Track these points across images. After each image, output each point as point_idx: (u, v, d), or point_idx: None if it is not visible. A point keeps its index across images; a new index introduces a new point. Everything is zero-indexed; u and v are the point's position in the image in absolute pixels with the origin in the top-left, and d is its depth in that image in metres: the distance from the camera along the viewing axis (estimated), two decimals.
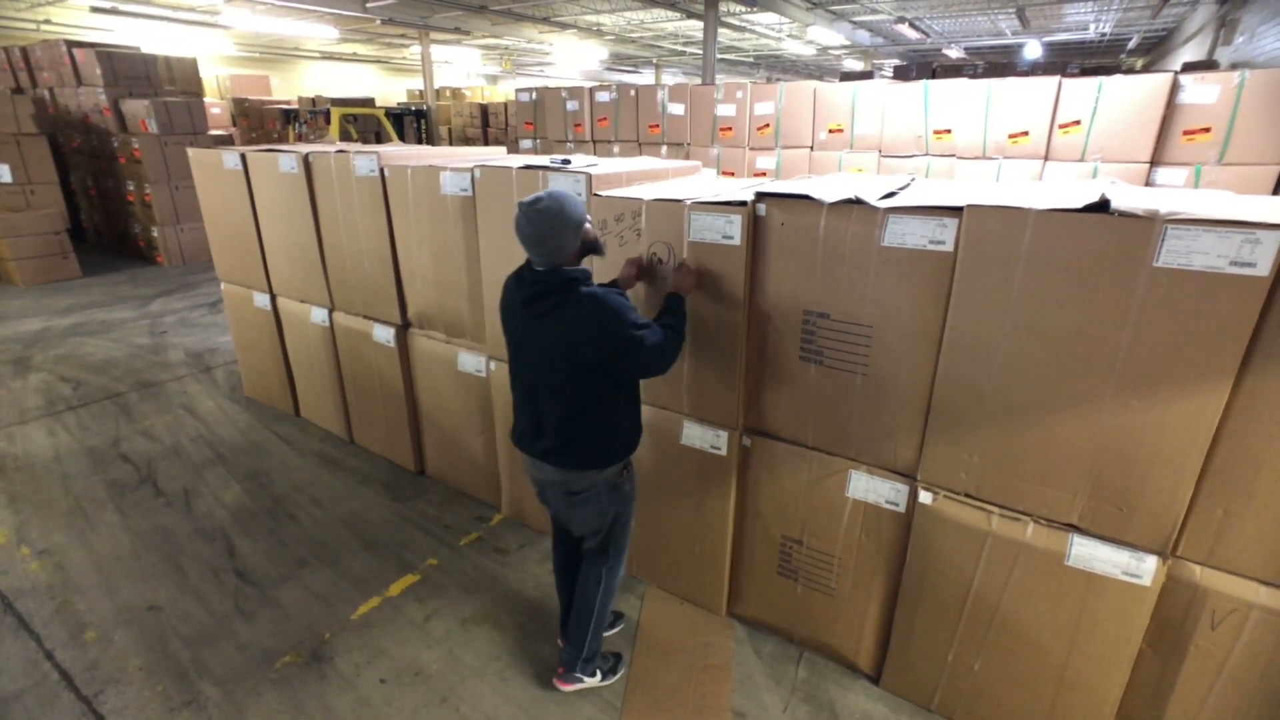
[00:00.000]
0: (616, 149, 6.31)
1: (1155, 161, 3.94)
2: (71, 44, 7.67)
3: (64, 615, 2.39)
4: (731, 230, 1.91)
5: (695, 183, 2.51)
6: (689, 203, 1.97)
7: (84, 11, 11.11)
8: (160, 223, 7.49)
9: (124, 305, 6.10)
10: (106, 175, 7.87)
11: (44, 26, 12.02)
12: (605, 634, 2.28)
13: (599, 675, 2.12)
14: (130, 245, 7.98)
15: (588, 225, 1.74)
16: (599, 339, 1.68)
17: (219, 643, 2.29)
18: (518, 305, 1.76)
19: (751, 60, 19.02)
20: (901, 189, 1.99)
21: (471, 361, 2.83)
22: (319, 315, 3.43)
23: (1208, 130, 3.78)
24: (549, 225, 1.65)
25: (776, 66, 20.92)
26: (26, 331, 5.32)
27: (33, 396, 4.15)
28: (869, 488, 1.96)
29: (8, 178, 6.68)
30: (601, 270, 2.16)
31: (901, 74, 7.38)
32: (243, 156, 3.38)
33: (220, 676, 2.16)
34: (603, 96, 6.30)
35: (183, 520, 2.96)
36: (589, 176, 2.19)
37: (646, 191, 2.16)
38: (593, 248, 1.79)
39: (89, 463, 3.40)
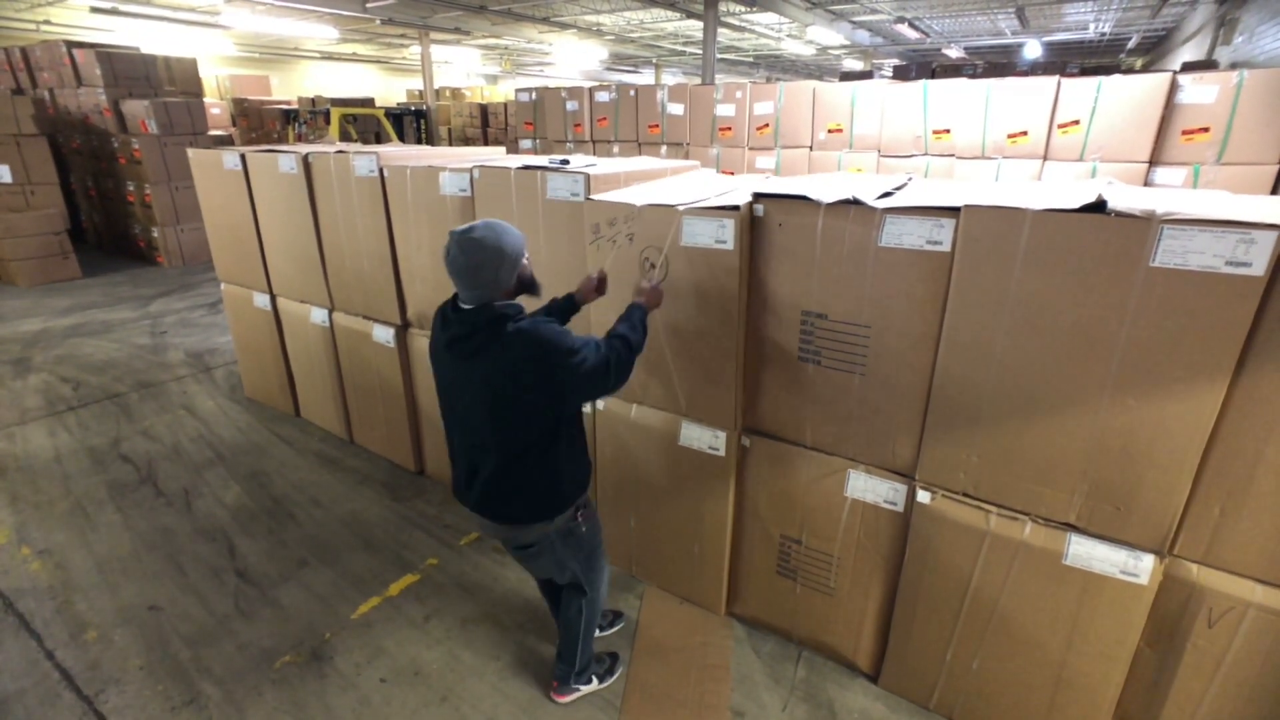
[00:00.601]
0: (616, 149, 6.32)
1: (1154, 161, 3.95)
2: (71, 44, 7.67)
3: (65, 615, 2.40)
4: (724, 235, 1.91)
5: (693, 183, 2.51)
6: (681, 208, 1.97)
7: (84, 12, 11.12)
8: (160, 223, 7.50)
9: (124, 306, 6.10)
10: (106, 176, 7.88)
11: (44, 27, 12.03)
12: (605, 633, 2.30)
13: (594, 680, 2.11)
14: (130, 246, 7.98)
15: (525, 260, 1.61)
16: (536, 377, 1.52)
17: (219, 642, 2.29)
18: (442, 347, 1.61)
19: (751, 60, 19.02)
20: (899, 189, 1.99)
21: None
22: (319, 315, 3.43)
23: (1206, 130, 3.78)
24: (484, 256, 1.50)
25: (776, 66, 20.92)
26: (27, 332, 5.32)
27: (33, 397, 4.15)
28: (867, 487, 1.97)
29: (8, 178, 6.69)
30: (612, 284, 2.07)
31: (901, 74, 7.38)
32: (242, 157, 3.38)
33: (220, 676, 2.16)
34: (602, 96, 6.30)
35: (183, 520, 2.96)
36: (587, 176, 2.20)
37: (641, 194, 2.15)
38: (528, 286, 1.64)
39: (89, 463, 3.41)
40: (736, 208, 1.88)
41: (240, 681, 2.14)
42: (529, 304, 1.72)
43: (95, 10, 10.97)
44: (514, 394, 1.54)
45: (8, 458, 3.44)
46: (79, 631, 2.33)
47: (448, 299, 1.64)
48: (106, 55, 7.45)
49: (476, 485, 1.68)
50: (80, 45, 7.69)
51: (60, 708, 2.04)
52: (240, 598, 2.51)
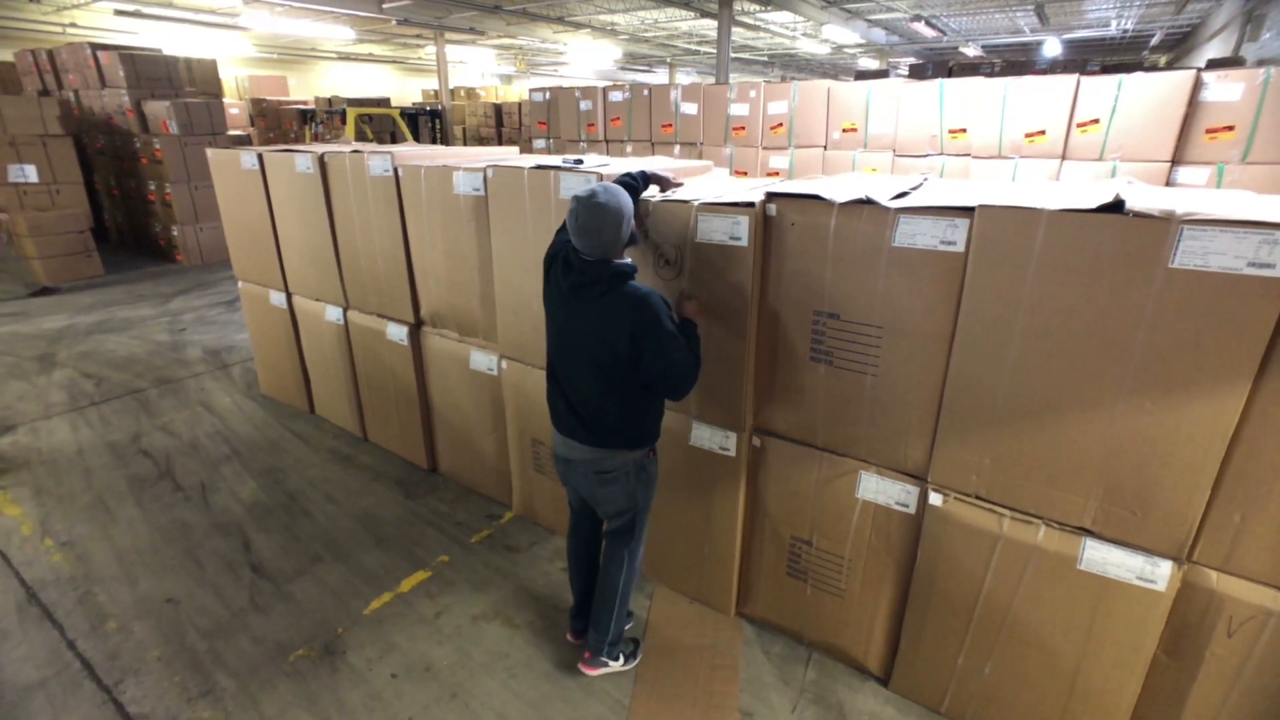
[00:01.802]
0: (629, 149, 6.32)
1: (1176, 160, 3.88)
2: (96, 46, 7.81)
3: (86, 606, 2.45)
4: (739, 231, 1.91)
5: (706, 182, 2.51)
6: (696, 204, 1.97)
7: (109, 15, 11.33)
8: (180, 222, 7.62)
9: (144, 303, 6.21)
10: (129, 175, 8.02)
11: (70, 30, 12.26)
12: (625, 667, 2.24)
13: (622, 659, 2.16)
14: (151, 244, 8.12)
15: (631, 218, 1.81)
16: (635, 333, 1.73)
17: (234, 635, 2.33)
18: (564, 289, 1.81)
19: (765, 59, 18.94)
20: (914, 189, 1.97)
21: (484, 360, 2.86)
22: (334, 314, 3.47)
23: (1231, 129, 3.71)
24: (605, 219, 1.69)
25: (790, 65, 20.81)
26: (51, 329, 5.43)
27: (57, 392, 4.24)
28: (879, 489, 1.95)
29: (34, 178, 6.83)
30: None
31: (917, 73, 7.32)
32: (259, 156, 3.43)
33: (236, 668, 2.19)
34: (616, 96, 6.31)
35: (200, 515, 3.01)
36: (600, 176, 2.20)
37: (655, 191, 2.16)
38: (633, 239, 1.88)
39: (110, 457, 3.48)
40: (751, 204, 1.88)
41: (255, 674, 2.17)
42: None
43: (119, 13, 11.17)
44: (617, 341, 1.76)
45: (32, 452, 3.52)
46: (99, 622, 2.37)
47: (559, 249, 1.87)
48: (130, 57, 7.59)
49: (576, 412, 1.89)
50: (105, 47, 7.83)
51: (81, 696, 2.08)
52: (255, 592, 2.54)
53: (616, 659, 2.16)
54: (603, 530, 2.12)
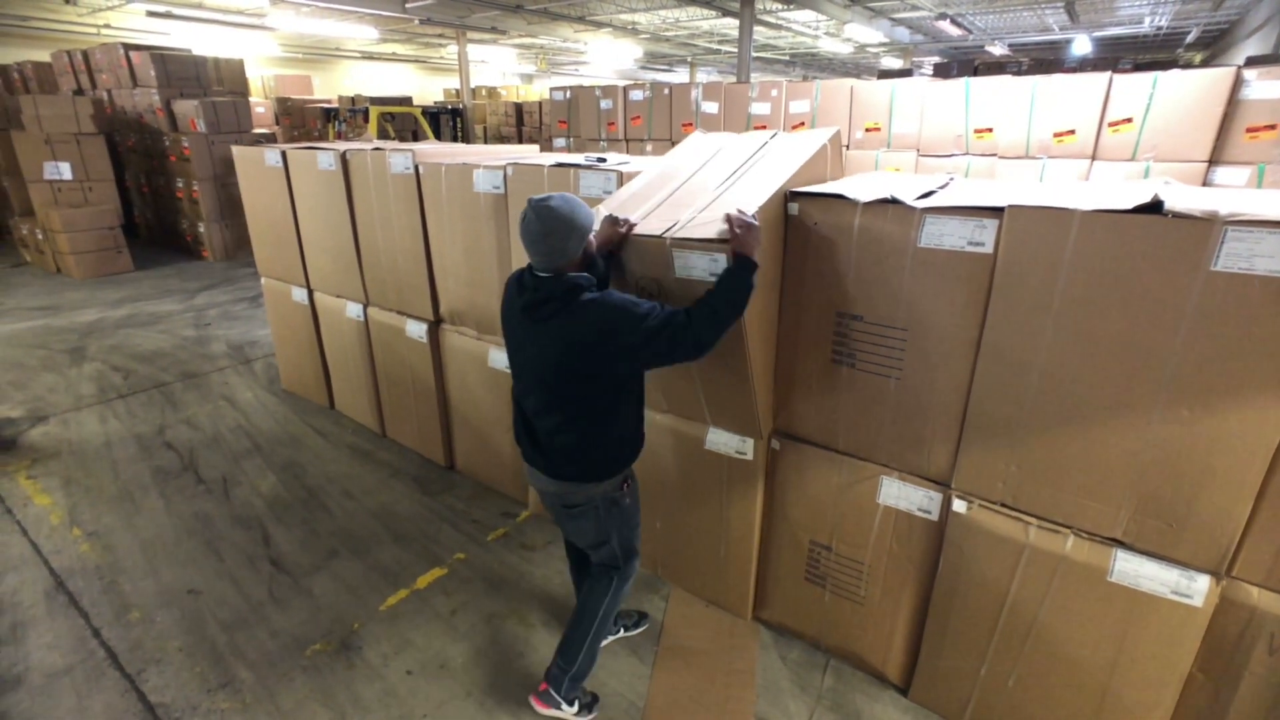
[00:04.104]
0: (649, 147, 6.30)
1: (1214, 160, 3.76)
2: (129, 47, 7.99)
3: (110, 595, 2.49)
4: (718, 268, 1.67)
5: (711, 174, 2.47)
6: (669, 239, 1.73)
7: (141, 16, 11.58)
8: (206, 219, 7.76)
9: (171, 298, 6.33)
10: (158, 173, 8.19)
11: (104, 31, 12.55)
12: (630, 634, 2.28)
13: (576, 706, 1.97)
14: (178, 240, 8.28)
15: (592, 237, 1.65)
16: (611, 345, 1.58)
17: (253, 628, 2.36)
18: (518, 310, 1.69)
19: (787, 58, 18.79)
20: (940, 188, 1.93)
21: (502, 358, 2.86)
22: (354, 310, 3.50)
23: (1273, 128, 3.59)
24: (557, 223, 1.56)
25: (812, 65, 20.62)
26: (82, 322, 5.56)
27: (87, 384, 4.34)
28: (901, 495, 1.91)
29: (69, 175, 7.01)
30: None
31: (942, 71, 7.20)
32: (283, 154, 3.47)
33: (254, 661, 2.22)
34: (636, 95, 6.29)
35: (221, 507, 3.05)
36: (620, 174, 2.19)
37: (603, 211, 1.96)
38: (590, 263, 1.70)
39: (136, 449, 3.54)
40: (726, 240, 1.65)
41: (273, 667, 2.19)
42: None
43: (151, 14, 11.41)
44: (581, 359, 1.62)
45: (63, 443, 3.60)
46: (123, 612, 2.42)
47: (523, 268, 1.71)
48: (160, 57, 7.75)
49: (539, 440, 1.78)
50: (137, 48, 8.00)
51: (105, 684, 2.12)
52: (274, 585, 2.57)
53: (572, 705, 1.96)
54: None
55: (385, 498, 3.15)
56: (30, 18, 11.56)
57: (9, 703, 2.04)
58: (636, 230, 1.80)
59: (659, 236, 1.74)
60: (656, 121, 6.22)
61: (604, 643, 2.14)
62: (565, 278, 1.61)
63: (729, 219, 1.63)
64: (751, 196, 1.80)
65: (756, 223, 1.63)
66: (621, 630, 2.29)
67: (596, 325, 1.59)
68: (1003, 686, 1.85)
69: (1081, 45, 13.69)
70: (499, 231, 2.65)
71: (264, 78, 14.59)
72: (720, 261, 1.66)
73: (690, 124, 5.97)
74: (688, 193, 1.98)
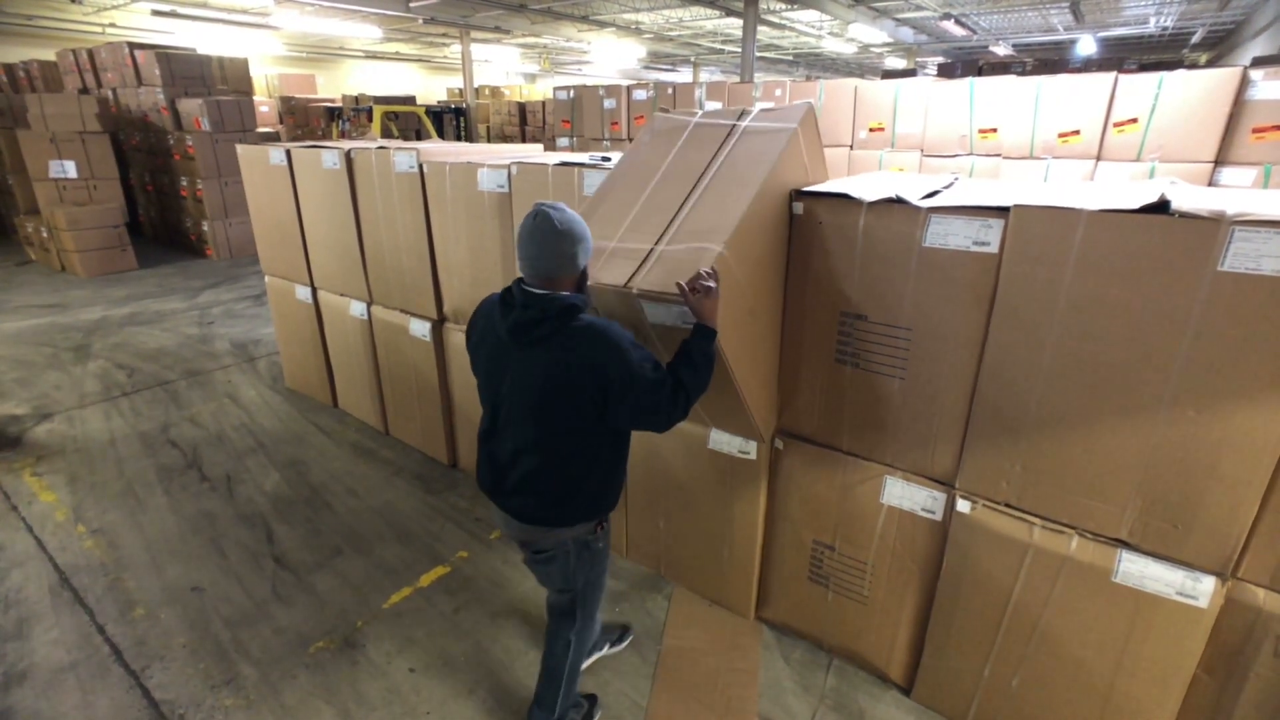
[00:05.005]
0: None
1: (1220, 161, 3.75)
2: (134, 46, 8.01)
3: (115, 592, 2.50)
4: (690, 317, 1.56)
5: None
6: (635, 290, 1.63)
7: (146, 15, 11.61)
8: (210, 217, 7.78)
9: (175, 296, 6.35)
10: (162, 171, 8.21)
11: (109, 30, 12.59)
12: (614, 650, 2.24)
13: None
14: (182, 239, 8.31)
15: (589, 260, 1.53)
16: (596, 376, 1.43)
17: (257, 625, 2.36)
18: (502, 333, 1.50)
19: (791, 58, 18.77)
20: (945, 188, 1.92)
21: None
22: (358, 309, 3.51)
23: (1279, 128, 3.57)
24: (573, 225, 1.44)
25: (816, 64, 20.60)
26: (87, 320, 5.58)
27: (92, 382, 4.35)
28: (905, 494, 1.91)
29: (74, 174, 7.03)
30: None
31: (945, 72, 7.18)
32: (287, 153, 3.47)
33: (258, 658, 2.22)
34: (640, 94, 6.30)
35: (225, 505, 3.06)
36: None
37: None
38: (583, 283, 1.54)
39: (140, 447, 3.55)
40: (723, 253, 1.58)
41: (276, 664, 2.20)
42: None
43: (157, 13, 11.45)
44: (570, 393, 1.45)
45: (68, 440, 3.61)
46: (128, 608, 2.42)
47: (507, 286, 1.54)
48: (165, 56, 7.77)
49: (510, 480, 1.58)
50: (142, 47, 8.02)
51: (109, 680, 2.12)
52: (277, 582, 2.57)
53: None
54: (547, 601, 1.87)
55: (388, 496, 3.16)
56: (36, 16, 11.60)
57: (14, 698, 2.05)
58: (602, 280, 1.64)
59: (624, 288, 1.60)
60: None
61: (587, 663, 2.07)
62: (560, 296, 1.45)
63: (682, 287, 1.49)
64: (719, 219, 1.66)
65: (714, 285, 1.49)
66: (607, 647, 2.21)
67: (590, 350, 1.43)
68: (1006, 687, 1.85)
69: (1086, 45, 13.65)
70: (503, 230, 2.65)
71: (268, 77, 14.62)
72: (689, 312, 1.53)
73: None
74: (648, 210, 1.80)
